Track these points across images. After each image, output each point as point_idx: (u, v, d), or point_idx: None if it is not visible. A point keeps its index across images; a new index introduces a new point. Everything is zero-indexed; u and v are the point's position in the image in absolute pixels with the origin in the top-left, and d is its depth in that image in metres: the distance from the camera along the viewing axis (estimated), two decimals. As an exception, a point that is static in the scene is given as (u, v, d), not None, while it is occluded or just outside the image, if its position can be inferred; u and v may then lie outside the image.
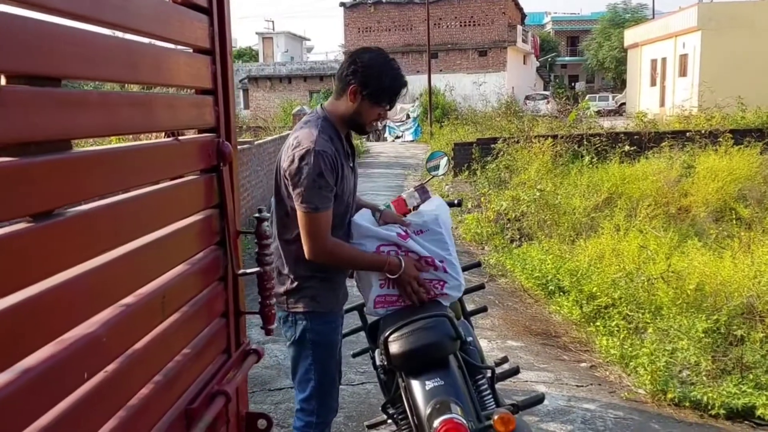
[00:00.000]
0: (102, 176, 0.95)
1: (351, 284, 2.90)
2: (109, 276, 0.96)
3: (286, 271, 2.64)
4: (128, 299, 1.01)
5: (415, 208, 3.59)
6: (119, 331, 0.96)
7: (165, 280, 1.14)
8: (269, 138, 13.79)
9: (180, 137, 1.23)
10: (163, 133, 1.24)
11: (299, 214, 2.46)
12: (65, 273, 0.85)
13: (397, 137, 28.77)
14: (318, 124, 2.51)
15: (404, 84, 2.63)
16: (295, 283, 2.63)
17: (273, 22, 53.10)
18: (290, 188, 2.49)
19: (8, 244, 0.75)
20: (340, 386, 4.67)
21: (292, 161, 2.45)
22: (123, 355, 0.98)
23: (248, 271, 1.49)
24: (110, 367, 0.94)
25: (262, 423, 1.51)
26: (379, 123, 2.69)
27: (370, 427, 3.37)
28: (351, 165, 2.65)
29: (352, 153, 2.70)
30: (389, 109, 2.64)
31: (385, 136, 29.13)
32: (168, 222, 1.18)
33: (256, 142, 11.66)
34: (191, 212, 1.29)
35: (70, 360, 0.83)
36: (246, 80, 35.37)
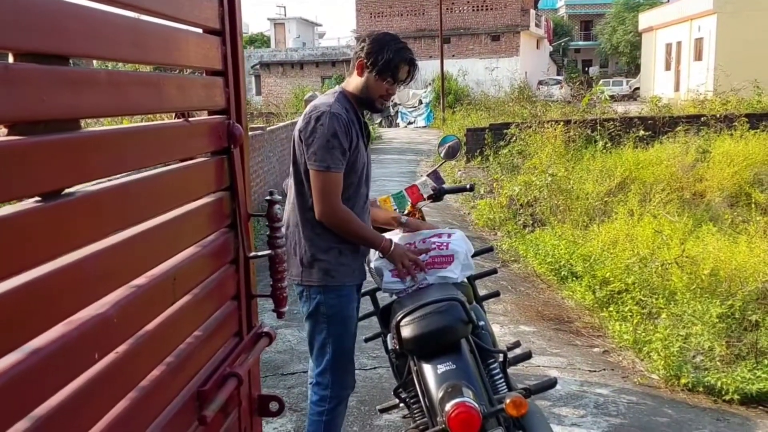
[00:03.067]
0: (112, 156, 0.95)
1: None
2: (120, 257, 0.96)
3: (302, 243, 2.68)
4: (139, 281, 1.00)
5: (430, 197, 3.59)
6: (130, 312, 0.96)
7: (176, 262, 1.14)
8: (281, 124, 13.79)
9: (190, 118, 1.22)
10: (173, 115, 1.23)
11: (311, 173, 2.54)
12: (75, 253, 0.84)
13: (410, 123, 28.68)
14: (335, 96, 2.64)
15: (407, 58, 2.66)
16: (310, 254, 2.67)
17: (285, 7, 52.98)
18: (305, 149, 2.57)
19: (17, 223, 0.75)
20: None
21: (308, 122, 2.54)
22: (134, 336, 0.98)
23: (259, 253, 1.48)
24: (121, 348, 0.94)
25: (274, 405, 1.51)
26: (389, 102, 2.72)
27: (382, 410, 3.38)
28: (365, 142, 2.71)
29: (367, 132, 2.76)
30: (394, 84, 2.66)
31: (398, 122, 29.05)
32: (178, 204, 1.18)
33: (268, 128, 11.66)
34: (202, 194, 1.29)
35: (80, 340, 0.83)
36: (258, 66, 35.32)
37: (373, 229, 2.79)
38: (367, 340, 3.50)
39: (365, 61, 2.61)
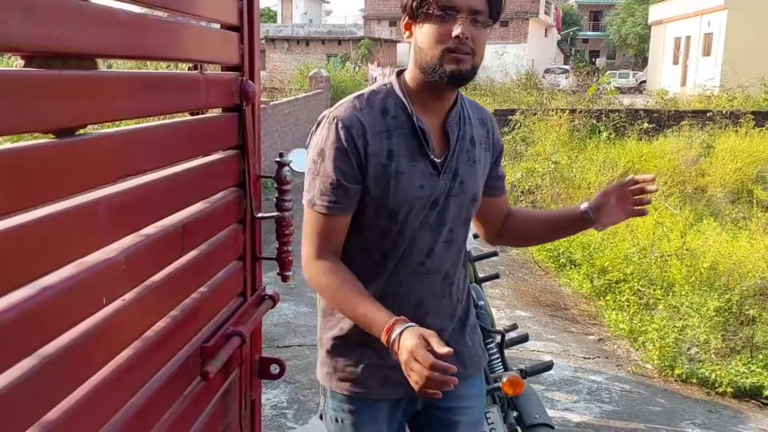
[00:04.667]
0: (126, 100, 0.93)
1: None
2: (130, 203, 0.94)
3: (320, 305, 1.79)
4: (148, 230, 0.99)
5: None
6: (139, 260, 0.95)
7: (185, 215, 1.13)
8: (285, 99, 13.74)
9: (204, 72, 1.20)
10: (187, 66, 1.21)
11: None
12: (87, 195, 0.83)
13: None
14: (373, 88, 1.71)
15: None
16: (318, 325, 1.79)
17: (293, -17, 52.55)
18: None
19: (30, 158, 0.73)
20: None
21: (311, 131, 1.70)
22: (142, 285, 0.97)
23: (267, 215, 1.47)
24: (128, 296, 0.93)
25: (275, 368, 1.51)
26: (470, 56, 1.57)
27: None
28: (430, 159, 1.65)
29: (451, 143, 1.68)
30: (456, 19, 1.54)
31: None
32: (189, 157, 1.16)
33: (271, 103, 11.62)
34: (212, 150, 1.27)
35: (89, 283, 0.82)
36: (263, 41, 35.08)
37: (372, 304, 1.52)
38: None
39: (405, 13, 1.63)
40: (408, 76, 1.67)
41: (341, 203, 1.58)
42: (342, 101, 1.66)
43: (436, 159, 1.65)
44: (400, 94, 1.65)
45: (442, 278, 1.72)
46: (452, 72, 1.55)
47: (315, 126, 1.65)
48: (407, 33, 1.65)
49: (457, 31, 1.52)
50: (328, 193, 1.58)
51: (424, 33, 1.57)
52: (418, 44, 1.59)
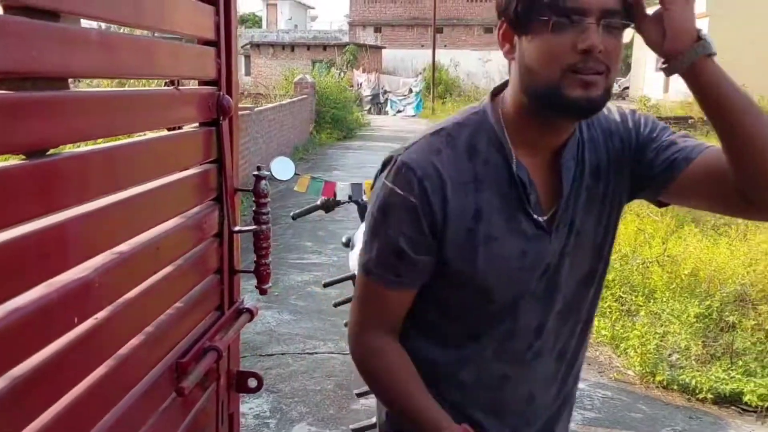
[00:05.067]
0: (99, 119, 0.93)
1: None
2: (104, 221, 0.94)
3: None
4: (122, 247, 0.99)
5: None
6: (112, 278, 0.95)
7: (160, 231, 1.13)
8: (269, 105, 13.73)
9: (180, 87, 1.20)
10: (163, 82, 1.22)
11: None
12: (59, 215, 0.83)
13: (399, 111, 28.63)
14: (458, 119, 1.27)
15: None
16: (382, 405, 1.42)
17: (278, -12, 52.57)
18: None
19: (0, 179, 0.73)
20: (332, 354, 4.70)
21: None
22: (115, 303, 0.97)
23: (244, 228, 1.47)
24: (101, 314, 0.93)
25: (252, 382, 1.51)
26: (594, 66, 1.08)
27: (359, 395, 3.39)
28: (533, 218, 1.22)
29: (564, 188, 1.23)
30: (582, 25, 1.07)
31: (386, 110, 28.98)
32: (164, 173, 1.17)
33: (255, 109, 11.60)
34: (188, 165, 1.28)
35: (60, 303, 0.82)
36: (248, 46, 35.03)
37: (428, 400, 1.22)
38: (336, 305, 3.43)
39: (505, 18, 1.17)
40: (510, 101, 1.22)
41: (405, 278, 1.23)
42: (417, 137, 1.27)
43: (540, 218, 1.22)
44: (496, 127, 1.21)
45: (556, 358, 1.32)
46: (578, 100, 1.09)
47: (380, 167, 1.29)
48: (506, 46, 1.19)
49: (586, 42, 1.06)
50: (388, 265, 1.22)
51: (536, 49, 1.11)
52: (525, 62, 1.14)
